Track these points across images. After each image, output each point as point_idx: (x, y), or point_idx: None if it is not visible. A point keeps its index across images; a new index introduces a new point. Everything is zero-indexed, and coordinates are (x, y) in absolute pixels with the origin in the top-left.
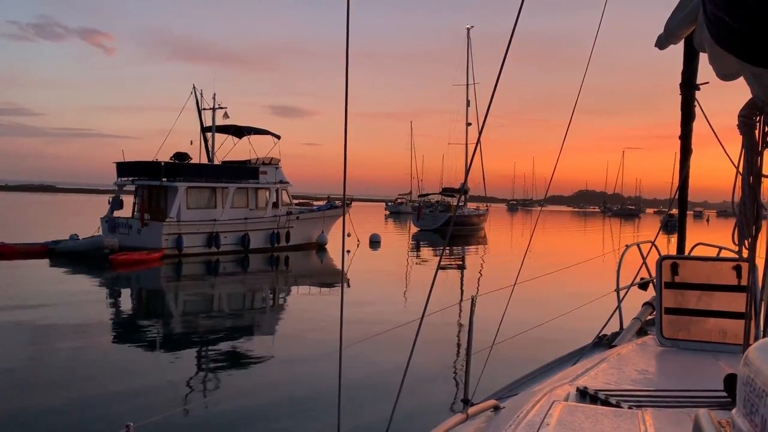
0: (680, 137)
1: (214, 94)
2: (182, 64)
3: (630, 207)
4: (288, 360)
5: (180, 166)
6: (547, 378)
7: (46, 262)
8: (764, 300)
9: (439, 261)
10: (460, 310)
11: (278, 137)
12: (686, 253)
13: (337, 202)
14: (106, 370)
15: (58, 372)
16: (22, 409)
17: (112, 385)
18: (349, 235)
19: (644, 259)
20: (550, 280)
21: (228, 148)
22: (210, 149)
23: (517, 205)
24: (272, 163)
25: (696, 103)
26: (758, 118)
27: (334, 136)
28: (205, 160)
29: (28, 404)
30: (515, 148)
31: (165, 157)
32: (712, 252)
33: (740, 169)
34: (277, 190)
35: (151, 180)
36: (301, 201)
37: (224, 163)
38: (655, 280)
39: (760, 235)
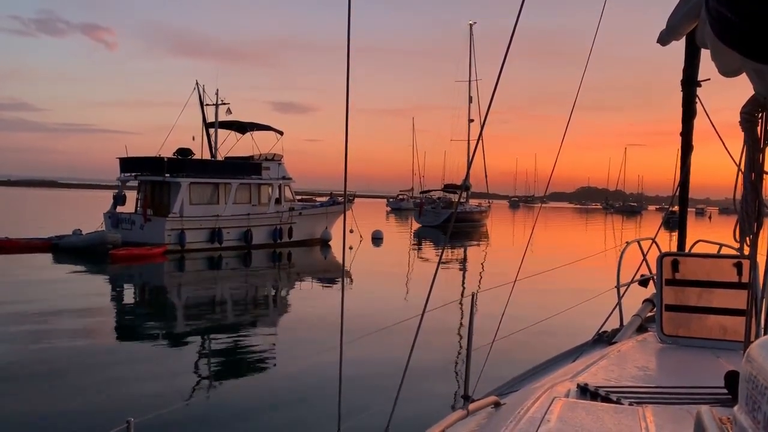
0: (681, 134)
1: (217, 90)
2: (184, 59)
3: (632, 204)
4: (289, 355)
5: (183, 161)
6: (547, 374)
7: (49, 256)
8: (765, 297)
9: (440, 258)
10: (461, 307)
11: (281, 133)
12: (687, 250)
13: (339, 198)
14: (106, 365)
15: (57, 366)
16: (21, 403)
17: (111, 380)
18: (351, 232)
19: (645, 255)
20: (550, 277)
21: (231, 144)
22: (213, 145)
23: (519, 202)
24: (275, 159)
25: (697, 100)
26: (760, 114)
27: (336, 132)
28: (207, 156)
29: (28, 398)
30: (517, 145)
31: (168, 152)
32: (712, 249)
33: (742, 167)
34: (279, 186)
35: (154, 175)
36: (303, 197)
37: (227, 159)
38: (655, 277)
39: (761, 232)
